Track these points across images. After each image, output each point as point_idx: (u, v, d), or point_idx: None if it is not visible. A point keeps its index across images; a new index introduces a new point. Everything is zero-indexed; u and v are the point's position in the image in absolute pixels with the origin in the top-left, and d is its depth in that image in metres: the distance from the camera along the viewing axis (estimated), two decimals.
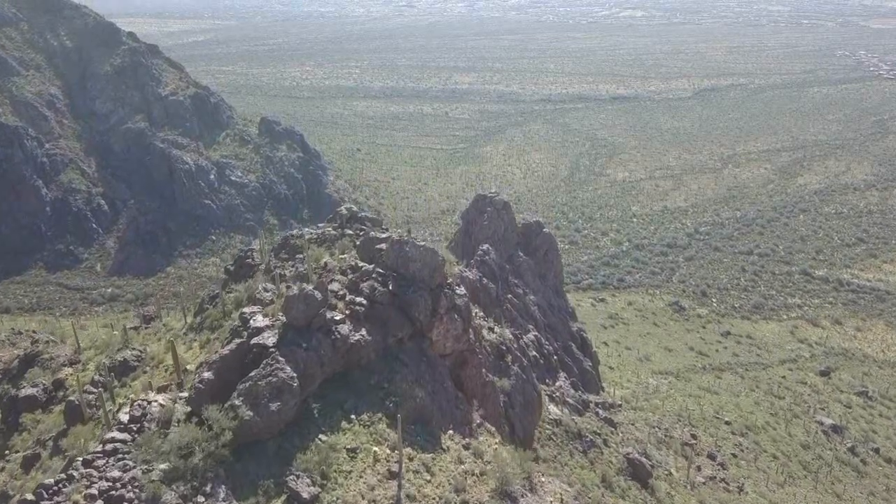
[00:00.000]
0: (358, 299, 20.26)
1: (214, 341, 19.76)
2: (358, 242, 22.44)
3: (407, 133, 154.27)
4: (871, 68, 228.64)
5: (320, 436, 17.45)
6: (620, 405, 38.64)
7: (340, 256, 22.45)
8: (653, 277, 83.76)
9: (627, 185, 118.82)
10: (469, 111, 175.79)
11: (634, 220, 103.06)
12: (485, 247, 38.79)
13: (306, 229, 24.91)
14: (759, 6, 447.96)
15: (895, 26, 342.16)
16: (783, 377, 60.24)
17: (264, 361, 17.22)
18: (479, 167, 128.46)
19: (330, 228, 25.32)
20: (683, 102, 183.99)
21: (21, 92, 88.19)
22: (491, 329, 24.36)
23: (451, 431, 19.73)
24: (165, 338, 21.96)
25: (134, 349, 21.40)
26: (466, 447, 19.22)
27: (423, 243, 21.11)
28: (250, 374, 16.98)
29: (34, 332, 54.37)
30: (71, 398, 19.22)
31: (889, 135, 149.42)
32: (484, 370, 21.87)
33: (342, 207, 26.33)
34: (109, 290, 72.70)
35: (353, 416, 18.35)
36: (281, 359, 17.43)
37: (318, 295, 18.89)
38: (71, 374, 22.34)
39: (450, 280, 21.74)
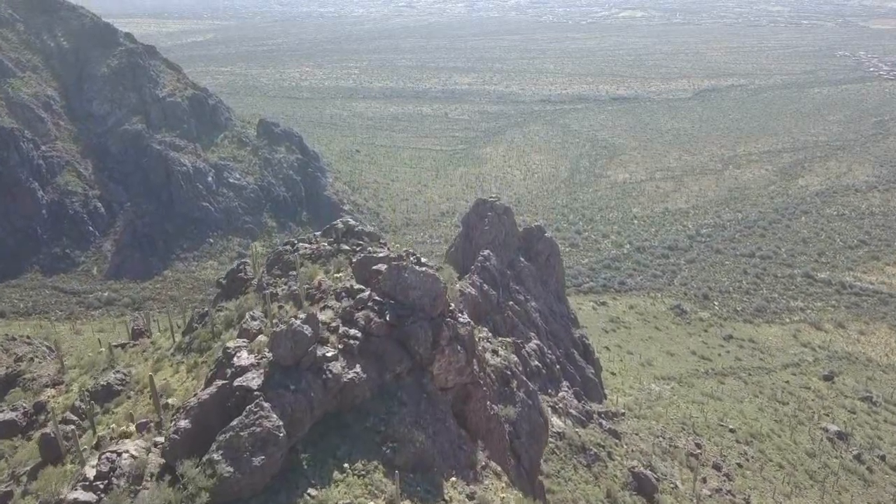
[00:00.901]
0: (352, 332, 18.72)
1: (202, 365, 18.71)
2: (354, 261, 21.13)
3: (406, 134, 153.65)
4: (872, 69, 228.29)
5: (309, 490, 15.70)
6: (624, 413, 37.98)
7: (335, 275, 21.27)
8: (654, 280, 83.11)
9: (628, 186, 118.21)
10: (469, 112, 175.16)
11: (635, 221, 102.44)
12: (485, 252, 38.16)
13: (300, 243, 23.74)
14: (758, 7, 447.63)
15: (895, 27, 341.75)
16: (787, 382, 59.64)
17: (247, 408, 15.72)
18: (479, 168, 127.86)
19: (325, 243, 24.07)
20: (683, 103, 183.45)
21: (17, 93, 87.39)
22: (495, 352, 22.92)
23: (453, 478, 18.15)
24: (153, 358, 21.08)
25: (118, 371, 20.47)
26: (471, 497, 17.84)
27: (423, 268, 19.56)
28: (231, 424, 15.45)
29: (28, 337, 53.72)
30: (46, 430, 18.25)
31: (890, 136, 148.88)
32: (489, 402, 20.53)
33: (338, 221, 25.40)
34: (106, 294, 71.96)
35: (345, 466, 16.53)
36: (266, 405, 15.88)
37: (307, 331, 17.37)
38: (53, 397, 21.47)
39: (452, 306, 20.25)
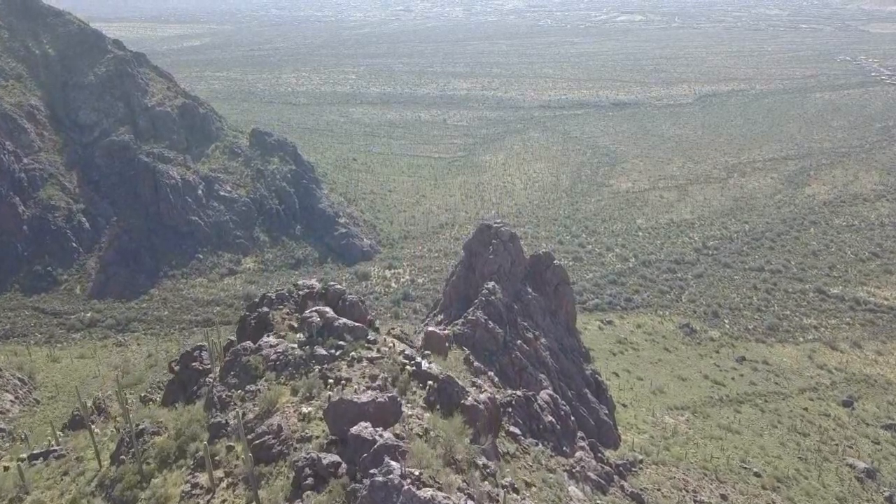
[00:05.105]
0: None
1: None
2: (327, 406, 15.34)
3: (404, 141, 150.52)
4: (873, 73, 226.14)
5: None
6: (642, 460, 34.87)
7: (304, 409, 16.53)
8: (661, 297, 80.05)
9: (631, 195, 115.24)
10: (467, 118, 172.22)
11: (640, 233, 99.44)
12: (490, 285, 35.04)
13: (266, 339, 19.43)
14: (757, 10, 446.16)
15: (894, 31, 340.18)
16: (805, 409, 56.66)
17: None
18: (479, 177, 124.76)
19: (295, 345, 19.31)
20: (685, 108, 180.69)
21: None
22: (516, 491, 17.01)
23: None
24: (69, 492, 17.26)
25: None
26: None
27: (429, 492, 13.01)
28: None
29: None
30: None
31: (895, 142, 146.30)
32: None
33: (313, 313, 20.35)
34: (88, 315, 68.59)
35: None
36: None
37: None
38: None
39: None
